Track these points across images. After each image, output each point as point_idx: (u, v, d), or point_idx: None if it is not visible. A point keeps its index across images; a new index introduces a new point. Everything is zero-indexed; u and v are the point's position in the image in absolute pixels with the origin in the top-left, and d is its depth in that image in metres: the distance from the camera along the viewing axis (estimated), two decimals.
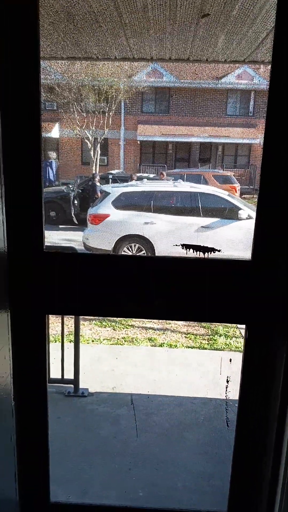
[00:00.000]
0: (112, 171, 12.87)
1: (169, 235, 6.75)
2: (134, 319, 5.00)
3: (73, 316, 3.45)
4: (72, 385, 3.32)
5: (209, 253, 1.60)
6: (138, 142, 15.51)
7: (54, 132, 14.84)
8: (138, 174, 11.93)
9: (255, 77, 14.69)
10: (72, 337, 3.59)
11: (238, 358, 1.77)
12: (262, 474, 1.58)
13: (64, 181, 13.38)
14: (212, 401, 3.29)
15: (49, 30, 1.94)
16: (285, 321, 1.43)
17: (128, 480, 2.42)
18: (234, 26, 1.80)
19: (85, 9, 1.68)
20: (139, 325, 5.08)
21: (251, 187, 13.80)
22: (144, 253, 6.89)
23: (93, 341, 4.60)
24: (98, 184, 9.59)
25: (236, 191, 10.34)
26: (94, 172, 11.97)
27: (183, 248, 1.67)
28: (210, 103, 14.68)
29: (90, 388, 3.39)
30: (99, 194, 8.77)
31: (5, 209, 1.37)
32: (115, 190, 7.74)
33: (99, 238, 7.12)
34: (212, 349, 4.51)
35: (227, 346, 4.60)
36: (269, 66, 1.30)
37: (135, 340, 4.67)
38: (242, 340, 4.60)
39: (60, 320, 3.59)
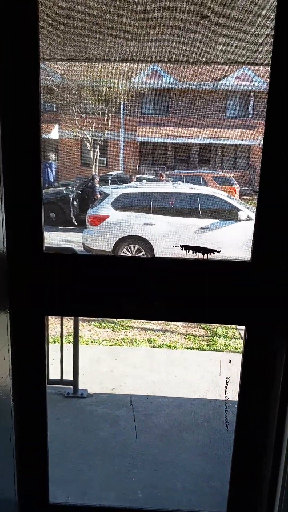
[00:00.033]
0: (112, 172, 12.87)
1: (169, 236, 6.76)
2: (133, 320, 4.99)
3: (72, 317, 3.45)
4: (71, 386, 3.32)
5: (209, 254, 1.60)
6: (138, 143, 15.52)
7: (53, 133, 14.85)
8: (138, 175, 11.94)
9: (254, 79, 14.71)
10: (71, 338, 3.59)
11: (237, 359, 1.78)
12: (261, 475, 1.58)
13: (63, 182, 13.38)
14: (211, 402, 3.29)
15: (48, 31, 1.95)
16: (284, 322, 1.43)
17: (127, 481, 2.42)
18: (234, 27, 1.81)
19: (84, 10, 1.69)
20: (138, 326, 5.07)
21: (251, 188, 13.81)
22: (143, 254, 6.90)
23: (92, 342, 4.59)
24: (97, 185, 9.59)
25: (235, 192, 10.35)
26: (93, 173, 11.98)
27: (182, 249, 1.67)
28: (209, 105, 14.69)
29: (89, 389, 3.39)
30: (98, 195, 8.77)
31: (5, 210, 1.38)
32: (115, 191, 7.74)
33: (98, 239, 7.12)
34: (211, 350, 4.51)
35: (226, 347, 4.60)
36: (269, 68, 1.31)
37: (135, 341, 4.67)
38: (241, 341, 4.60)
39: (59, 321, 3.59)
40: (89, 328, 4.96)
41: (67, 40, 2.08)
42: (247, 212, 7.04)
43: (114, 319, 5.05)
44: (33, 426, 1.61)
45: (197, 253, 1.62)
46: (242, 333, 1.67)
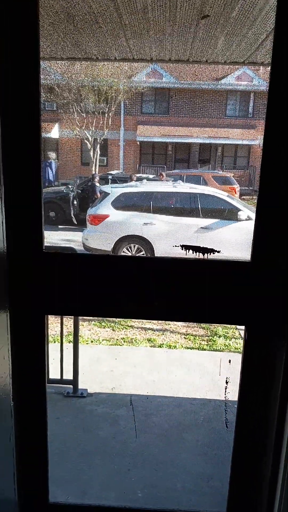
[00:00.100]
0: (112, 172, 12.88)
1: (169, 235, 6.76)
2: (133, 319, 5.00)
3: (72, 316, 3.45)
4: (71, 386, 3.32)
5: (209, 254, 1.60)
6: (138, 142, 15.52)
7: (53, 132, 14.85)
8: (138, 175, 11.94)
9: (254, 79, 14.71)
10: (71, 338, 3.59)
11: (237, 359, 1.77)
12: (261, 475, 1.58)
13: (63, 182, 13.38)
14: (211, 402, 3.29)
15: (49, 30, 1.95)
16: (284, 322, 1.43)
17: (127, 481, 2.42)
18: (234, 27, 1.81)
19: (85, 9, 1.68)
20: (138, 325, 5.08)
21: (251, 188, 13.82)
22: (143, 254, 6.90)
23: (92, 341, 4.60)
24: (97, 184, 9.59)
25: (235, 192, 10.35)
26: (93, 172, 11.98)
27: (182, 249, 1.67)
28: (209, 104, 14.69)
29: (89, 389, 3.39)
30: (98, 194, 8.77)
31: (5, 209, 1.37)
32: (115, 190, 7.74)
33: (98, 239, 7.12)
34: (211, 350, 4.51)
35: (226, 347, 4.61)
36: (269, 68, 1.30)
37: (135, 340, 4.67)
38: (241, 341, 4.60)
39: (59, 321, 3.59)
40: (89, 328, 4.96)
41: (68, 39, 2.08)
42: (247, 212, 7.04)
43: (114, 319, 5.05)
44: (33, 425, 1.61)
45: (197, 253, 1.62)
46: (242, 333, 1.67)
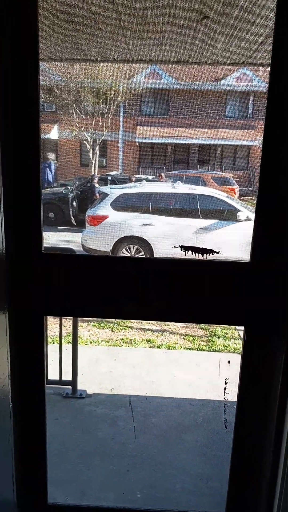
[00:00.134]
0: (111, 173, 12.88)
1: (168, 236, 6.76)
2: (132, 320, 4.99)
3: (71, 317, 3.45)
4: (70, 387, 3.31)
5: (208, 254, 1.60)
6: (137, 143, 15.53)
7: (53, 133, 14.85)
8: (137, 176, 11.95)
9: (254, 79, 14.73)
10: (70, 339, 3.59)
11: (236, 359, 1.77)
12: (260, 476, 1.58)
13: (62, 183, 13.38)
14: (210, 402, 3.29)
15: (48, 31, 1.95)
16: (283, 322, 1.43)
17: (126, 482, 2.42)
18: (233, 28, 1.81)
19: (84, 11, 1.69)
20: (137, 326, 5.07)
21: (250, 188, 13.83)
22: (142, 255, 6.90)
23: (91, 342, 4.59)
24: (96, 185, 9.59)
25: (235, 193, 10.36)
26: (93, 173, 11.98)
27: (181, 250, 1.67)
28: (209, 105, 14.71)
29: (88, 390, 3.38)
30: (97, 195, 8.77)
31: (4, 210, 1.37)
32: (114, 191, 7.75)
33: (97, 240, 7.12)
34: (210, 351, 4.51)
35: (225, 347, 4.60)
36: (268, 68, 1.31)
37: (134, 341, 4.67)
38: (240, 342, 4.61)
39: (58, 322, 3.59)
40: (88, 329, 4.96)
41: (67, 40, 2.08)
42: (247, 212, 7.04)
43: (113, 320, 5.05)
44: (32, 426, 1.60)
45: (196, 254, 1.63)
46: (241, 333, 1.67)
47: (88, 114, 12.72)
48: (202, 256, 1.60)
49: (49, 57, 2.38)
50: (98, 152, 13.57)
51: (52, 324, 4.40)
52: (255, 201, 1.41)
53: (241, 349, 1.57)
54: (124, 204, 7.55)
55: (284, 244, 1.39)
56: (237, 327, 4.92)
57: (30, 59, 1.33)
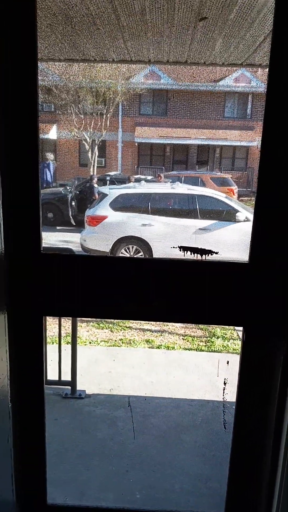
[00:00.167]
0: (110, 173, 12.87)
1: (167, 237, 6.76)
2: (131, 320, 4.99)
3: (70, 317, 3.44)
4: (69, 387, 3.31)
5: (207, 255, 1.60)
6: (136, 144, 15.52)
7: (51, 133, 14.84)
8: (136, 176, 11.95)
9: (252, 80, 14.74)
10: (69, 339, 3.59)
11: (235, 360, 1.78)
12: (260, 476, 1.58)
13: (61, 183, 13.36)
14: (209, 403, 3.29)
15: (47, 32, 1.95)
16: (282, 323, 1.43)
17: (125, 482, 2.42)
18: (232, 29, 1.81)
19: (83, 11, 1.69)
20: (136, 327, 5.07)
21: (249, 189, 13.83)
22: (141, 255, 6.90)
23: (90, 342, 4.59)
24: (95, 185, 9.59)
25: (233, 194, 10.36)
26: (91, 173, 11.98)
27: (180, 250, 1.67)
28: (207, 106, 14.70)
29: (87, 390, 3.38)
30: (96, 195, 8.76)
31: (2, 210, 1.37)
32: (113, 191, 7.74)
33: (96, 240, 7.12)
34: (209, 351, 4.51)
35: (224, 348, 4.61)
36: (267, 69, 1.31)
37: (133, 342, 4.67)
38: (239, 342, 4.61)
39: (57, 322, 3.59)
40: (87, 329, 4.96)
41: (65, 41, 2.08)
42: (245, 213, 7.05)
43: (112, 320, 5.05)
44: (31, 426, 1.60)
45: (195, 254, 1.63)
46: (240, 334, 1.68)
47: (87, 114, 12.71)
48: (201, 257, 1.60)
49: (47, 57, 2.38)
50: (97, 152, 13.57)
51: (51, 324, 4.40)
52: (254, 202, 1.41)
53: (240, 350, 1.57)
54: (123, 204, 7.55)
55: (283, 245, 1.39)
56: (236, 328, 4.93)
57: (29, 59, 1.33)
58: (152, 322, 5.04)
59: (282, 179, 1.35)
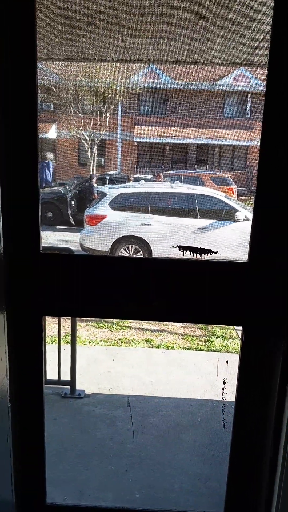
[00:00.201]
0: (109, 172, 12.87)
1: (166, 236, 6.76)
2: (131, 320, 4.99)
3: (70, 317, 3.44)
4: (68, 387, 3.31)
5: (206, 254, 1.60)
6: (135, 143, 15.53)
7: (51, 133, 14.84)
8: (135, 175, 11.94)
9: (252, 79, 14.74)
10: (68, 338, 3.59)
11: (235, 359, 1.78)
12: (259, 476, 1.58)
13: (61, 182, 13.37)
14: (209, 402, 3.30)
15: (46, 31, 1.94)
16: (282, 322, 1.43)
17: (124, 482, 2.42)
18: (231, 29, 1.81)
19: (82, 10, 1.68)
20: (136, 326, 5.07)
21: (248, 188, 13.83)
22: (141, 254, 6.90)
23: (89, 342, 4.59)
24: (95, 185, 9.58)
25: (233, 193, 10.37)
26: (91, 173, 11.98)
27: (180, 250, 1.67)
28: (207, 105, 14.71)
29: (87, 390, 3.38)
30: (96, 195, 8.76)
31: (2, 210, 1.37)
32: (112, 191, 7.75)
33: (96, 239, 7.12)
34: (209, 351, 4.52)
35: (224, 347, 4.61)
36: (266, 69, 1.31)
37: (132, 341, 4.67)
38: (239, 342, 4.61)
39: (56, 321, 3.59)
40: (86, 328, 4.96)
41: (65, 40, 2.08)
42: (245, 212, 7.05)
43: (111, 320, 5.05)
44: (30, 426, 1.60)
45: (195, 254, 1.63)
46: (240, 333, 1.68)
47: (86, 114, 12.71)
48: (201, 256, 1.60)
49: (47, 56, 2.38)
50: (96, 152, 13.57)
51: (51, 324, 4.40)
52: (253, 201, 1.41)
53: (239, 349, 1.57)
54: (123, 203, 7.55)
55: (283, 244, 1.39)
56: (236, 327, 4.93)
57: (28, 58, 1.33)
58: (151, 322, 5.04)
59: (282, 179, 1.35)
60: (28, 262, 1.47)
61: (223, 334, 4.91)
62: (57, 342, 3.43)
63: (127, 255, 6.88)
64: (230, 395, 3.04)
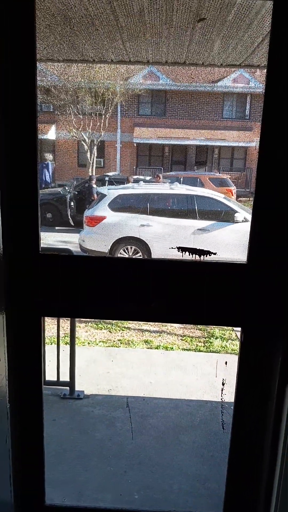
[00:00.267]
0: (109, 173, 12.88)
1: (166, 237, 6.76)
2: (130, 321, 4.99)
3: (69, 318, 3.44)
4: (67, 387, 3.31)
5: (205, 256, 1.60)
6: (135, 144, 15.54)
7: (50, 134, 14.85)
8: (135, 177, 11.95)
9: (251, 81, 14.77)
10: (67, 339, 3.59)
11: (234, 360, 1.78)
12: (258, 477, 1.58)
13: (60, 183, 13.37)
14: (208, 403, 3.29)
15: (45, 32, 1.95)
16: (280, 323, 1.44)
17: (123, 483, 2.42)
18: (230, 30, 1.82)
19: (81, 12, 1.69)
20: (135, 327, 5.07)
21: (247, 190, 13.85)
22: (140, 256, 6.90)
23: (89, 343, 4.59)
24: (94, 186, 9.59)
25: (232, 194, 10.38)
26: (90, 174, 11.98)
27: (179, 251, 1.68)
28: (206, 106, 14.73)
29: (86, 391, 3.38)
30: (95, 196, 8.77)
31: (1, 211, 1.37)
32: (112, 192, 7.75)
33: (95, 240, 7.12)
34: (208, 352, 4.52)
35: (223, 348, 4.61)
36: (265, 70, 1.31)
37: (131, 342, 4.67)
38: (238, 343, 4.61)
39: (55, 322, 3.59)
40: (85, 329, 4.95)
41: (64, 41, 2.08)
42: (244, 213, 7.06)
43: (111, 320, 5.04)
44: (29, 427, 1.60)
45: (194, 255, 1.63)
46: (239, 334, 1.68)
47: (85, 115, 12.72)
48: (199, 257, 1.61)
49: (46, 57, 2.38)
50: (95, 153, 13.58)
51: (50, 325, 4.40)
52: (252, 202, 1.41)
53: (238, 350, 1.57)
54: (122, 205, 7.55)
55: (281, 245, 1.39)
56: (235, 328, 4.93)
57: (28, 59, 1.33)
58: (150, 323, 5.04)
59: (281, 180, 1.35)
60: (27, 262, 1.47)
61: (222, 335, 4.91)
62: (56, 343, 3.42)
63: (127, 256, 6.88)
64: (229, 396, 3.04)
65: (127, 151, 15.66)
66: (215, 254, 1.63)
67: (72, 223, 9.09)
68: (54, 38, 2.02)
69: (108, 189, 8.22)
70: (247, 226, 1.62)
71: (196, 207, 7.30)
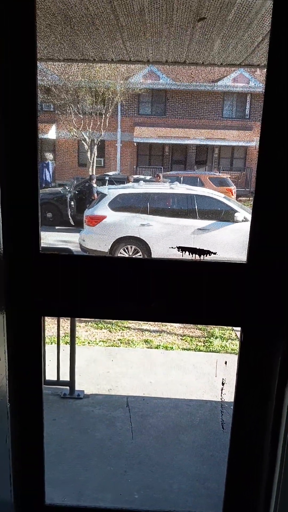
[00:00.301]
0: (109, 173, 12.87)
1: (166, 237, 6.76)
2: (130, 321, 4.99)
3: (69, 317, 3.44)
4: (67, 387, 3.31)
5: (205, 255, 1.60)
6: (135, 144, 15.53)
7: (50, 133, 14.84)
8: (135, 176, 11.94)
9: (251, 80, 14.76)
10: (68, 339, 3.59)
11: (233, 360, 1.78)
12: (257, 477, 1.59)
13: (60, 183, 13.36)
14: (207, 403, 3.30)
15: (46, 32, 1.95)
16: (280, 323, 1.43)
17: (123, 483, 2.42)
18: (230, 30, 1.81)
19: (82, 11, 1.69)
20: (135, 327, 5.07)
21: (247, 189, 13.84)
22: (140, 255, 6.90)
23: (89, 343, 4.59)
24: (94, 185, 9.58)
25: (232, 194, 10.37)
26: (90, 173, 11.98)
27: (179, 251, 1.68)
28: (206, 106, 14.72)
29: (86, 390, 3.38)
30: (95, 195, 8.76)
31: (2, 210, 1.37)
32: (112, 191, 7.75)
33: (95, 240, 7.11)
34: (208, 351, 4.52)
35: (222, 348, 4.61)
36: (265, 70, 1.31)
37: (131, 342, 4.67)
38: (237, 343, 4.61)
39: (55, 322, 3.59)
40: (85, 329, 4.95)
41: (64, 41, 2.08)
42: (244, 213, 7.05)
43: (111, 320, 5.05)
44: (29, 427, 1.60)
45: (194, 255, 1.63)
46: (239, 334, 1.68)
47: (86, 114, 12.71)
48: (199, 257, 1.61)
49: (47, 57, 2.38)
50: (96, 152, 13.56)
51: (50, 324, 4.40)
52: (252, 202, 1.41)
53: (238, 350, 1.57)
54: (122, 204, 7.55)
55: (281, 245, 1.39)
56: (234, 328, 4.93)
57: (28, 59, 1.33)
58: (150, 322, 5.04)
59: (281, 179, 1.35)
60: (27, 262, 1.47)
61: (222, 335, 4.91)
62: (56, 342, 3.42)
63: (127, 255, 6.88)
64: (229, 396, 3.04)
65: (127, 150, 15.65)
66: (215, 253, 1.63)
67: (72, 223, 9.08)
68: (55, 37, 2.02)
69: (108, 189, 8.22)
70: (247, 226, 1.62)
71: (196, 207, 7.29)
